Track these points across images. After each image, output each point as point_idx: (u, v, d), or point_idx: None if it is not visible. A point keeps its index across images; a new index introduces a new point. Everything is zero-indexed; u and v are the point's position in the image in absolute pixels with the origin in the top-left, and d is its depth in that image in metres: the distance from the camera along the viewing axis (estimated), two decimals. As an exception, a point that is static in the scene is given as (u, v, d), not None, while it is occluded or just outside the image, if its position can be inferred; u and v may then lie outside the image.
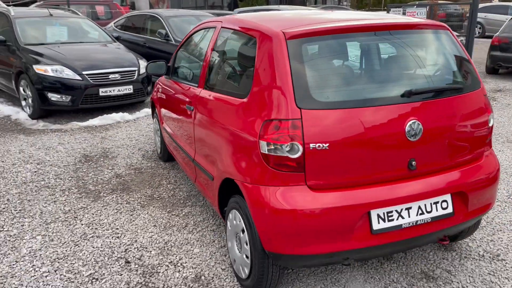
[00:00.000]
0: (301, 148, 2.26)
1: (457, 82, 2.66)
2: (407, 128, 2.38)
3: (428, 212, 2.50)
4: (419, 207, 2.48)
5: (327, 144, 2.27)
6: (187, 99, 3.48)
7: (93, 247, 3.25)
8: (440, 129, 2.50)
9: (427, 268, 3.00)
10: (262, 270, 2.52)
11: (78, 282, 2.85)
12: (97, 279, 2.89)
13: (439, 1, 15.44)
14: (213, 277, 2.91)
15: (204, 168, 3.15)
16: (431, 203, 2.51)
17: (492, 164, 2.77)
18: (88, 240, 3.35)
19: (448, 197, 2.56)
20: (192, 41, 3.94)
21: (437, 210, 2.53)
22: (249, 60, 2.67)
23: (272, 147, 2.30)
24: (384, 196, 2.39)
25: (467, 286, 2.81)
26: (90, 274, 2.94)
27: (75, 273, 2.94)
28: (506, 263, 3.06)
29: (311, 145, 2.26)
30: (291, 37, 2.40)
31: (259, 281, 2.56)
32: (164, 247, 3.26)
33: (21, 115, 7.00)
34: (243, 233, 2.63)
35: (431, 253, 3.17)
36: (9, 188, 4.29)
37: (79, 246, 3.26)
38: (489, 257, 3.13)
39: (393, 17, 2.87)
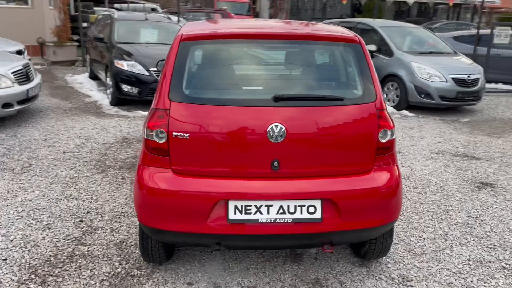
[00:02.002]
0: (165, 135, 2.59)
1: (339, 93, 2.70)
2: (268, 130, 2.54)
3: (290, 213, 2.60)
4: (281, 207, 2.60)
5: (188, 135, 2.56)
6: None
7: (66, 206, 3.93)
8: (308, 136, 2.59)
9: (323, 276, 3.02)
10: (142, 240, 2.88)
11: (34, 227, 3.54)
12: (49, 228, 3.54)
13: None
14: (133, 245, 3.34)
15: None
16: (295, 205, 2.61)
17: (382, 180, 2.72)
18: (68, 200, 4.06)
19: (317, 202, 2.62)
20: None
21: (301, 213, 2.61)
22: (169, 58, 3.06)
23: (149, 133, 2.66)
24: (243, 190, 2.58)
25: (346, 299, 2.80)
26: (47, 224, 3.61)
27: (38, 221, 3.64)
28: (411, 289, 2.93)
29: (173, 133, 2.57)
30: (184, 39, 2.73)
31: (143, 251, 2.93)
32: (118, 216, 3.80)
33: (105, 101, 8.24)
34: (141, 208, 3.03)
35: (341, 264, 3.17)
36: (49, 154, 5.26)
37: (57, 203, 3.98)
38: (398, 281, 3.01)
39: (299, 28, 2.98)
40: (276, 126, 2.54)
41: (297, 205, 2.62)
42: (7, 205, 3.90)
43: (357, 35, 2.92)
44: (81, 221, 3.68)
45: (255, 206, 2.60)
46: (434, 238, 3.59)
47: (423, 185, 4.73)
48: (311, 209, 2.62)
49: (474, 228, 3.79)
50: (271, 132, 2.54)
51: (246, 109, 2.57)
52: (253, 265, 3.12)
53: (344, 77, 2.81)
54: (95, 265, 3.07)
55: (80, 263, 3.09)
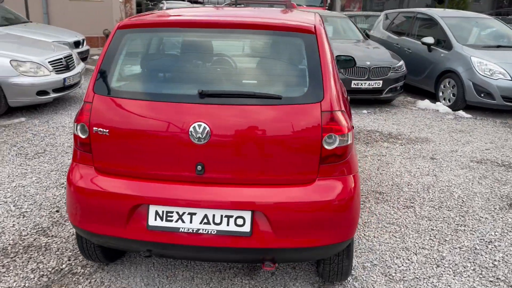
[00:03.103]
0: (87, 130, 2.42)
1: (277, 91, 2.32)
2: (191, 129, 2.27)
3: (216, 224, 2.32)
4: (206, 216, 2.33)
5: (107, 130, 2.37)
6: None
7: (52, 194, 3.96)
8: (237, 138, 2.28)
9: (270, 296, 2.69)
10: (77, 238, 2.76)
11: (11, 214, 3.59)
12: (24, 216, 3.58)
13: None
14: (93, 240, 3.26)
15: None
16: (222, 215, 2.32)
17: (327, 193, 2.33)
18: (57, 188, 4.09)
19: (247, 214, 2.31)
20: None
21: (228, 225, 2.32)
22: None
23: (75, 127, 2.51)
24: (164, 195, 2.35)
25: (282, 326, 2.46)
26: (25, 211, 3.65)
27: (18, 208, 3.70)
28: (366, 322, 2.50)
29: (94, 128, 2.40)
30: (121, 27, 2.54)
31: (80, 249, 2.80)
32: (95, 208, 3.73)
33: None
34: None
35: (298, 283, 2.81)
36: (67, 142, 5.40)
37: (46, 191, 4.03)
38: (356, 310, 2.59)
39: (246, 16, 2.63)
40: (200, 126, 2.27)
41: (223, 215, 2.33)
42: (2, 190, 4.02)
43: (317, 24, 2.52)
44: (57, 211, 3.67)
45: (177, 213, 2.35)
46: (424, 262, 3.08)
47: (442, 198, 4.12)
48: (240, 221, 2.32)
49: (481, 255, 3.19)
50: (193, 132, 2.27)
51: (169, 105, 2.32)
52: (200, 275, 2.87)
53: (288, 73, 2.44)
54: (44, 258, 3.02)
55: (31, 254, 3.06)
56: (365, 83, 7.24)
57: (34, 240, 3.24)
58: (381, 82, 7.32)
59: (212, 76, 2.47)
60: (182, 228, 2.34)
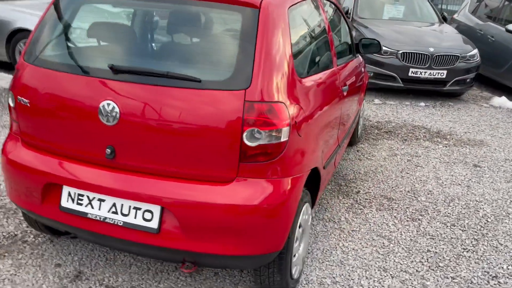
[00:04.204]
0: (14, 99, 2.32)
1: (197, 73, 2.00)
2: (100, 107, 2.06)
3: (123, 215, 2.12)
4: (114, 204, 2.14)
5: (28, 101, 2.25)
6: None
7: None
8: (147, 122, 2.03)
9: (198, 299, 2.44)
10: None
11: None
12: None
13: None
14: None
15: None
16: (130, 206, 2.12)
17: (246, 196, 2.01)
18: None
19: (155, 208, 2.08)
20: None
21: (135, 218, 2.11)
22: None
23: (7, 95, 2.42)
24: (76, 176, 2.19)
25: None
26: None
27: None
28: None
29: (18, 97, 2.29)
30: (63, -5, 2.38)
31: (26, 221, 2.75)
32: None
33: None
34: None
35: (235, 291, 2.52)
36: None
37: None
38: (284, 333, 2.24)
39: None
40: (109, 104, 2.05)
41: (132, 207, 2.12)
42: None
43: (271, -2, 2.13)
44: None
45: (88, 197, 2.18)
46: (397, 289, 2.60)
47: (461, 215, 3.50)
48: (147, 215, 2.09)
49: (475, 292, 2.62)
50: (102, 111, 2.06)
51: (83, 79, 2.13)
52: (139, 263, 2.70)
53: (215, 53, 2.09)
54: (7, 221, 3.05)
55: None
56: (425, 72, 6.45)
57: (10, 202, 3.30)
58: (445, 72, 6.47)
59: (131, 51, 2.22)
60: (91, 214, 2.17)
